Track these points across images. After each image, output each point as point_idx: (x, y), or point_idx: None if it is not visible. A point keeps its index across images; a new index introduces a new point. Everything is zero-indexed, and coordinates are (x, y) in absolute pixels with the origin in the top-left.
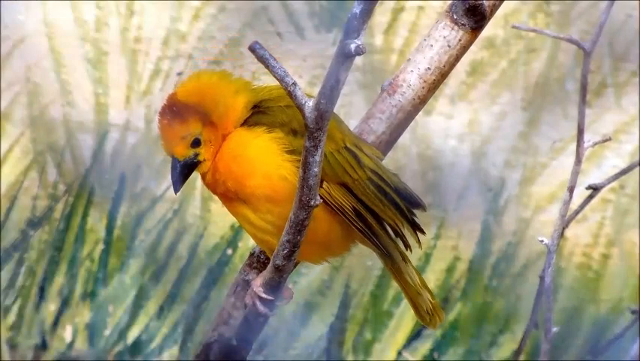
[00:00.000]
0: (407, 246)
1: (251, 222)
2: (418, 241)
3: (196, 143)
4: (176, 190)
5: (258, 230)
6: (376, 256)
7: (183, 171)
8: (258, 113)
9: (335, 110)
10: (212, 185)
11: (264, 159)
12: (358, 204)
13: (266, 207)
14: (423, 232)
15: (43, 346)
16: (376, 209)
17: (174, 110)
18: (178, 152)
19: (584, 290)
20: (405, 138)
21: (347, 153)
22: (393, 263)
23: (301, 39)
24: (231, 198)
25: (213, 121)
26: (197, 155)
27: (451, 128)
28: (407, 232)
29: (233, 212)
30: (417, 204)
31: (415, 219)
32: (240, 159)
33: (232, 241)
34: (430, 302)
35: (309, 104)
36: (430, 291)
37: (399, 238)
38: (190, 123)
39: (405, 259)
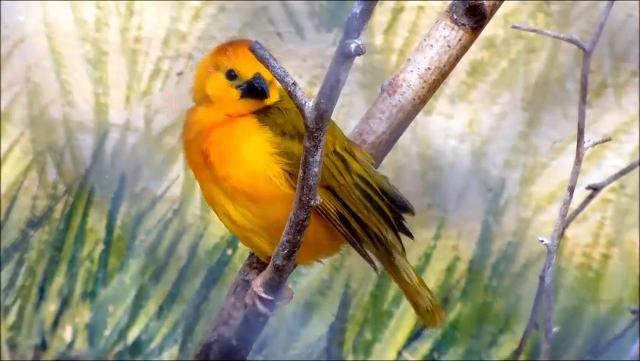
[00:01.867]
0: (390, 254)
1: (228, 214)
2: (403, 249)
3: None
4: (266, 91)
5: (236, 226)
6: (376, 257)
7: (264, 85)
8: (266, 111)
9: (335, 110)
10: (191, 149)
11: (255, 156)
12: (343, 208)
13: (243, 201)
14: (411, 237)
15: (43, 346)
16: (360, 215)
17: None
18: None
19: (584, 290)
20: (405, 138)
21: (335, 157)
22: (391, 263)
23: (301, 39)
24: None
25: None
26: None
27: (451, 128)
28: (392, 240)
29: (208, 196)
30: (406, 208)
31: (404, 223)
32: (235, 140)
33: (232, 241)
34: (430, 301)
35: (309, 104)
36: (429, 290)
37: (382, 246)
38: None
39: (397, 259)
